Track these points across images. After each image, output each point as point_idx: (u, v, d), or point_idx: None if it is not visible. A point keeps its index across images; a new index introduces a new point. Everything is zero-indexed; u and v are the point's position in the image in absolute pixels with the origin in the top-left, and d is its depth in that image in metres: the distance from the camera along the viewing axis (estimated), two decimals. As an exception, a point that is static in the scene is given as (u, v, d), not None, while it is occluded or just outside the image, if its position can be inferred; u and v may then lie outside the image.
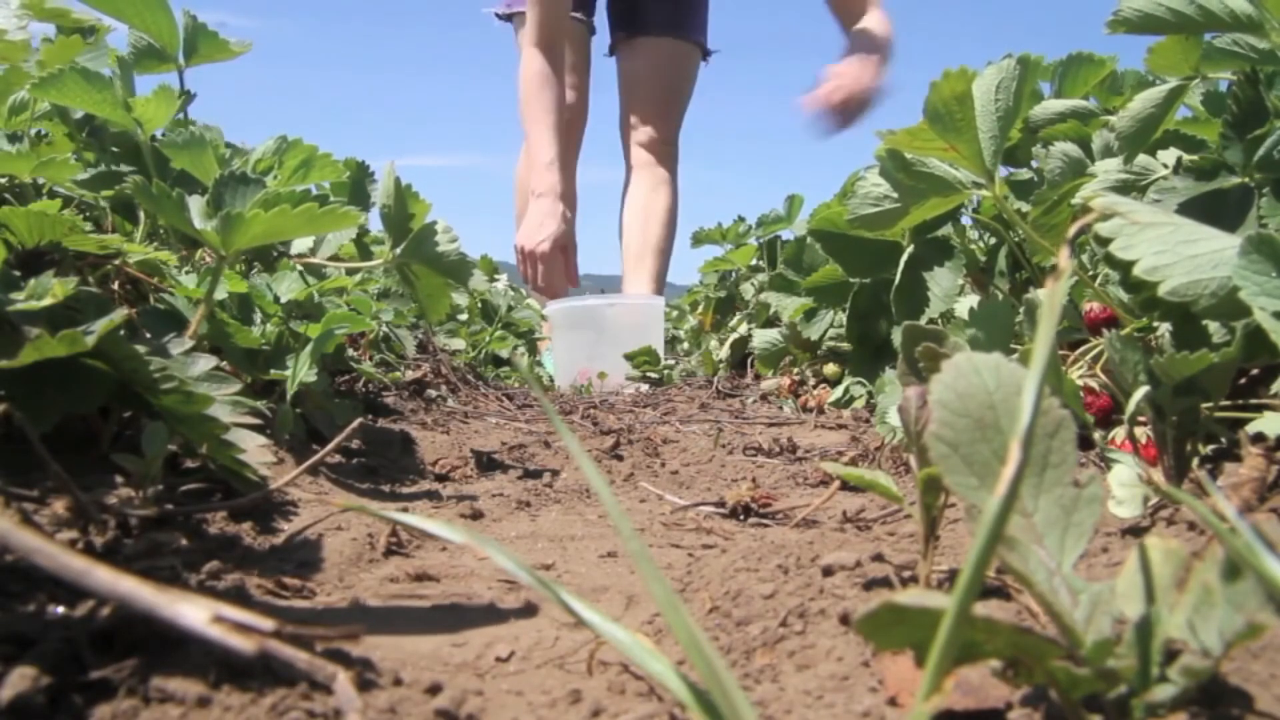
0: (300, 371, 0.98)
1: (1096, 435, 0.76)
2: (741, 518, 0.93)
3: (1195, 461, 0.70)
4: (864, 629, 0.33)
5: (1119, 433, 0.78)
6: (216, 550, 0.66)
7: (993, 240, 1.39)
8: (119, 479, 0.70)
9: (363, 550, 0.75)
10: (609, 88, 3.54)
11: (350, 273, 1.20)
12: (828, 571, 0.59)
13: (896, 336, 0.98)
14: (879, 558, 0.61)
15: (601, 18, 3.51)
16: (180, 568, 0.59)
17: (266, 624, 0.38)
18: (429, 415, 1.58)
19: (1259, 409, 0.70)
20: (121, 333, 0.63)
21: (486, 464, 1.24)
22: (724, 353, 2.53)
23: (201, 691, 0.40)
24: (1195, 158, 0.82)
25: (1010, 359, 0.41)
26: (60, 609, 0.46)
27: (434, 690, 0.44)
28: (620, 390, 2.55)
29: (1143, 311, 0.77)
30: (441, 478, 1.16)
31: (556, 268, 2.80)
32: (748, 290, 2.60)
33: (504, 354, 2.87)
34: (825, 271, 1.57)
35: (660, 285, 3.58)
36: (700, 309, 3.14)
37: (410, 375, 1.74)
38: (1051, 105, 1.19)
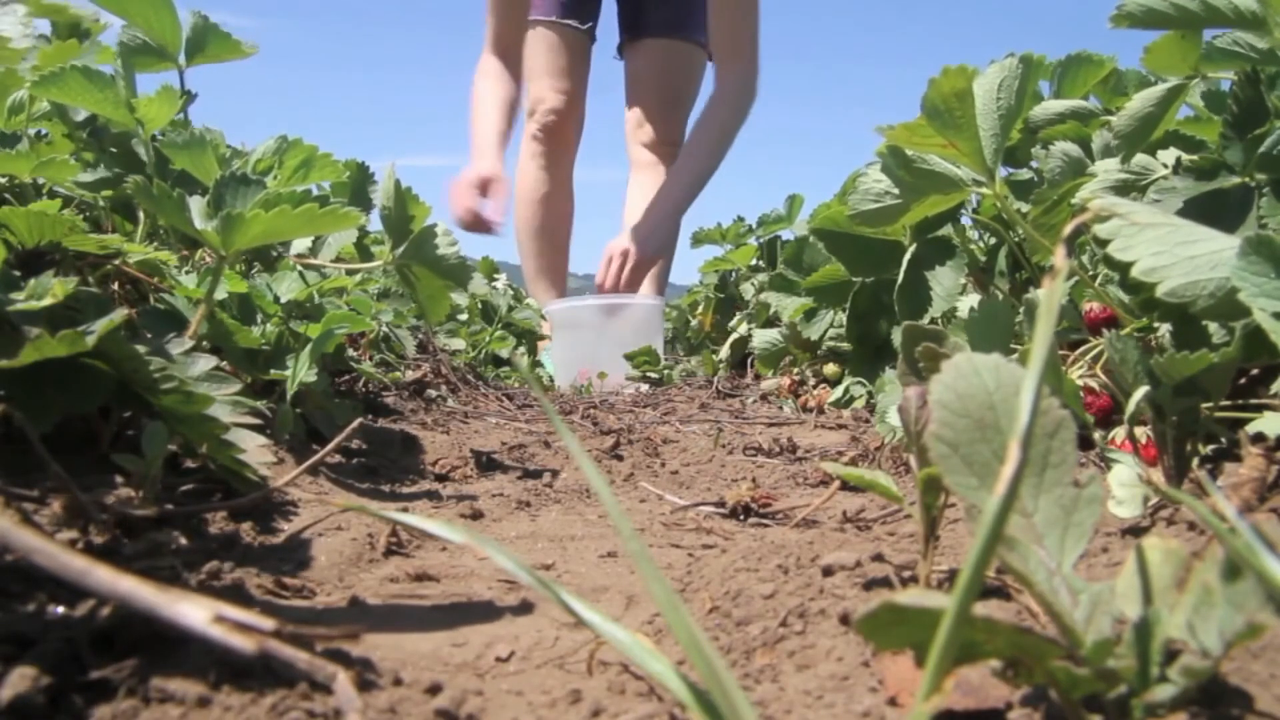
0: (300, 371, 0.98)
1: (1096, 435, 0.76)
2: (741, 518, 0.93)
3: (1195, 461, 0.70)
4: (864, 629, 0.33)
5: (1119, 433, 0.78)
6: (216, 550, 0.66)
7: (993, 240, 1.39)
8: (119, 479, 0.70)
9: (363, 550, 0.75)
10: (619, 90, 3.57)
11: (350, 273, 1.20)
12: (828, 571, 0.59)
13: (896, 336, 0.98)
14: (879, 558, 0.61)
15: (611, 21, 3.54)
16: (180, 568, 0.59)
17: (266, 624, 0.38)
18: (429, 415, 1.58)
19: (1259, 409, 0.70)
20: (121, 333, 0.63)
21: (486, 464, 1.24)
22: (724, 353, 2.53)
23: (201, 691, 0.40)
24: (1195, 158, 0.82)
25: (1010, 359, 0.41)
26: (60, 609, 0.46)
27: (434, 690, 0.44)
28: (620, 390, 2.55)
29: (1142, 312, 0.77)
30: (441, 478, 1.16)
31: (466, 198, 2.82)
32: (748, 290, 2.60)
33: (504, 354, 2.87)
34: (825, 271, 1.57)
35: (661, 285, 3.59)
36: (700, 309, 3.14)
37: (410, 375, 1.74)
38: (1051, 105, 1.19)
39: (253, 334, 0.96)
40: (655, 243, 2.85)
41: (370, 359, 1.61)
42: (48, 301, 0.62)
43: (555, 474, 1.22)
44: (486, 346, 2.81)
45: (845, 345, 1.67)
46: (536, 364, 3.12)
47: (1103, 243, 0.62)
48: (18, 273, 0.66)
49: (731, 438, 1.47)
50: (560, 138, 3.47)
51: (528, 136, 3.46)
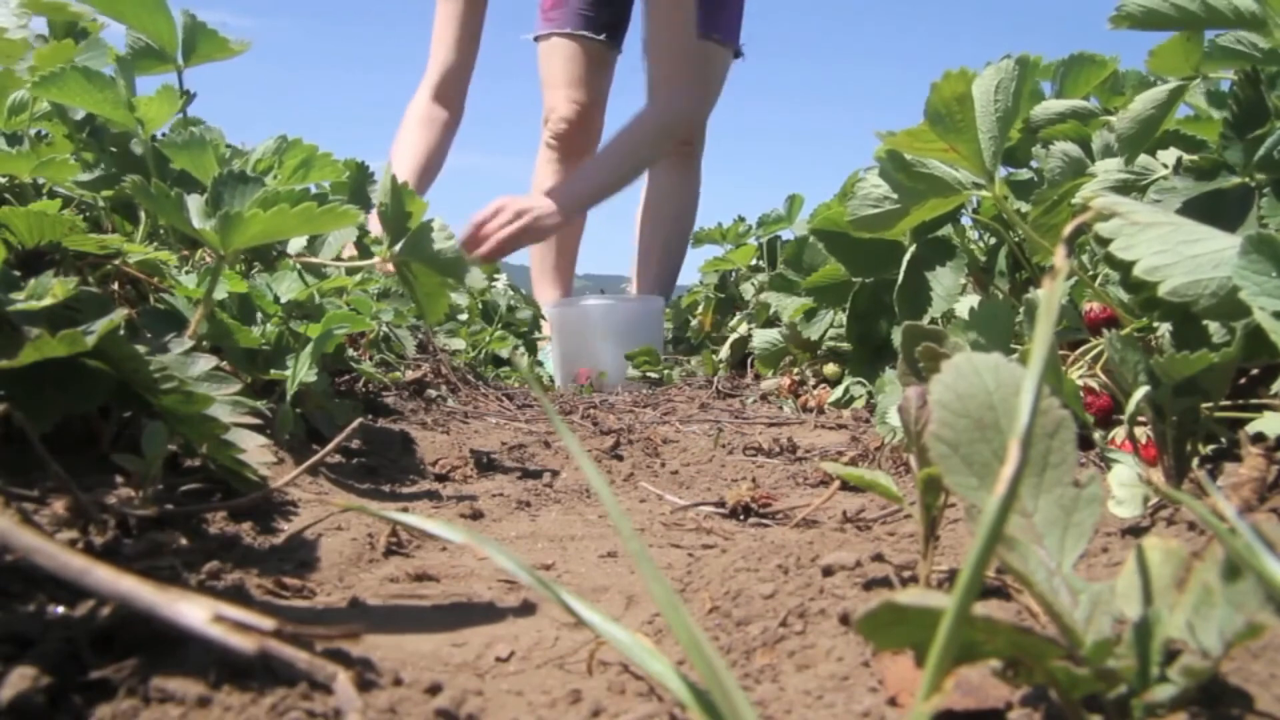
0: (300, 371, 0.98)
1: (1096, 435, 0.76)
2: (741, 518, 0.93)
3: (1195, 461, 0.70)
4: (864, 629, 0.33)
5: (1119, 433, 0.78)
6: (216, 550, 0.65)
7: (993, 240, 1.39)
8: (119, 479, 0.70)
9: (363, 550, 0.75)
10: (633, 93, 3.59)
11: (350, 272, 1.20)
12: (828, 571, 0.59)
13: (896, 336, 0.98)
14: (879, 558, 0.61)
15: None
16: (180, 568, 0.59)
17: (266, 624, 0.38)
18: (429, 415, 1.58)
19: (1259, 409, 0.70)
20: (121, 333, 0.63)
21: (486, 464, 1.24)
22: (724, 353, 2.53)
23: (201, 691, 0.40)
24: (1195, 158, 0.82)
25: (1010, 359, 0.41)
26: (60, 609, 0.46)
27: (434, 690, 0.44)
28: (620, 390, 2.55)
29: (1143, 311, 0.77)
30: (441, 478, 1.16)
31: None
32: (748, 290, 2.60)
33: (504, 354, 2.87)
34: (825, 271, 1.57)
35: (666, 287, 3.59)
36: (700, 309, 3.14)
37: (410, 375, 1.74)
38: (1051, 105, 1.19)
39: (253, 334, 0.96)
40: (551, 219, 2.81)
41: (370, 359, 1.61)
42: (48, 301, 0.62)
43: (555, 474, 1.22)
44: (486, 346, 2.81)
45: (845, 345, 1.67)
46: (537, 364, 3.12)
47: (1104, 242, 0.62)
48: (18, 273, 0.66)
49: (731, 438, 1.47)
50: (573, 146, 3.48)
51: (542, 143, 3.48)
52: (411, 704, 0.43)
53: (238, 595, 0.57)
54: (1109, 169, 0.89)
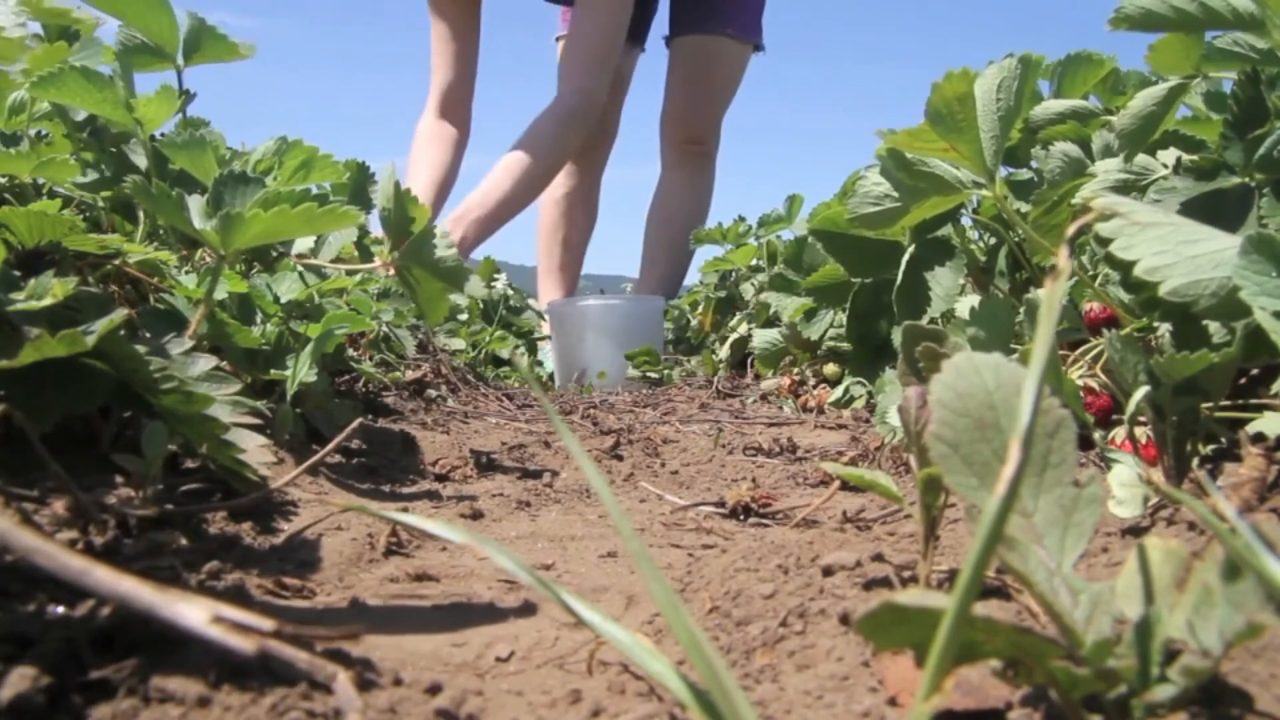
0: (300, 371, 0.98)
1: (1096, 435, 0.76)
2: (741, 518, 0.93)
3: (1195, 461, 0.70)
4: (864, 629, 0.33)
5: (1119, 433, 0.78)
6: (216, 550, 0.65)
7: (993, 240, 1.39)
8: (119, 479, 0.70)
9: (363, 550, 0.75)
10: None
11: (350, 273, 1.20)
12: (828, 571, 0.59)
13: (896, 336, 0.98)
14: (879, 558, 0.61)
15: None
16: (180, 568, 0.59)
17: (266, 624, 0.38)
18: (429, 415, 1.58)
19: (1259, 409, 0.69)
20: (121, 333, 0.63)
21: (486, 464, 1.24)
22: (724, 353, 2.53)
23: (201, 691, 0.40)
24: (1195, 158, 0.82)
25: (1010, 359, 0.41)
26: (60, 609, 0.46)
27: (434, 690, 0.44)
28: (620, 390, 2.55)
29: (1143, 311, 0.77)
30: (441, 478, 1.16)
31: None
32: (748, 290, 2.60)
33: (504, 354, 2.87)
34: (825, 271, 1.57)
35: (671, 288, 3.59)
36: (700, 309, 3.14)
37: (410, 375, 1.74)
38: (1051, 105, 1.19)
39: (253, 334, 0.96)
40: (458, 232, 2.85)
41: (370, 359, 1.61)
42: (48, 301, 0.62)
43: (555, 474, 1.22)
44: (486, 346, 2.81)
45: (845, 345, 1.67)
46: (537, 364, 3.13)
47: (1104, 242, 0.62)
48: (18, 273, 0.66)
49: (731, 438, 1.47)
50: (585, 145, 3.49)
51: None
52: (411, 704, 0.43)
53: (238, 595, 0.57)
54: (1109, 169, 0.89)
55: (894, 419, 1.03)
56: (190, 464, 0.79)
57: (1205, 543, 0.57)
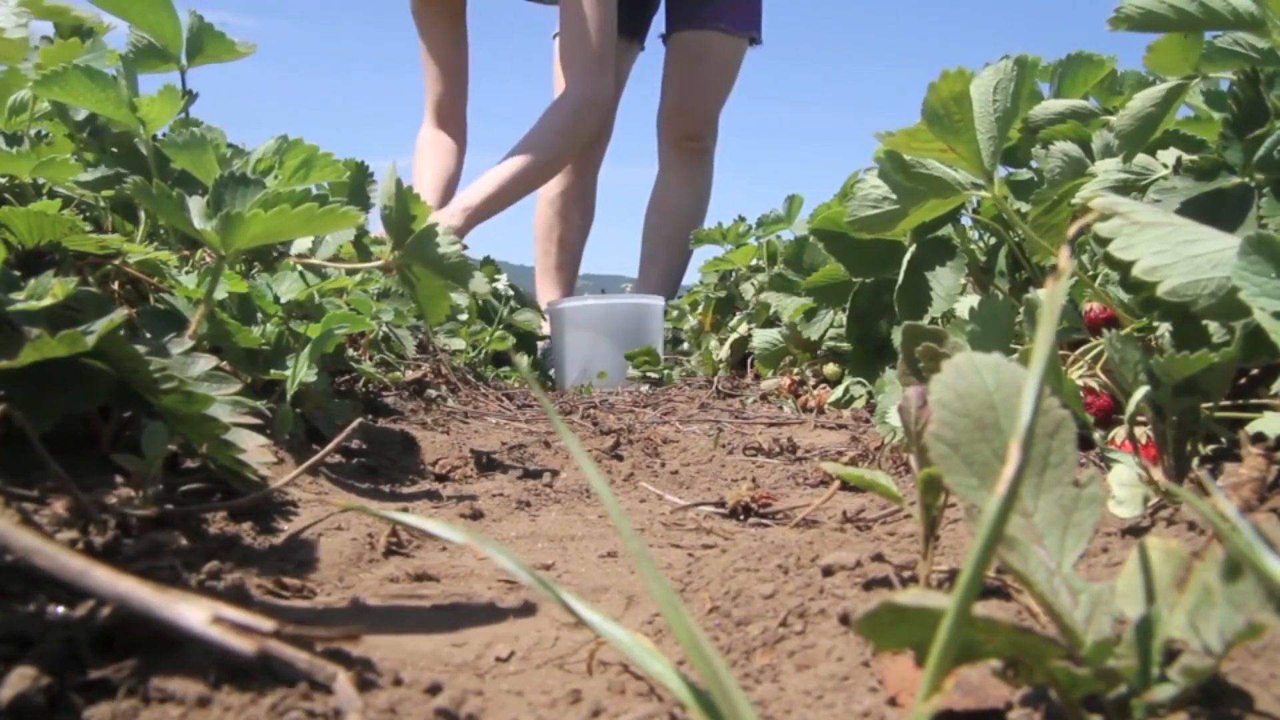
0: (300, 371, 0.98)
1: (1096, 435, 0.76)
2: (741, 518, 0.93)
3: (1195, 461, 0.70)
4: (864, 629, 0.33)
5: (1119, 433, 0.78)
6: (216, 550, 0.66)
7: (993, 240, 1.39)
8: (119, 479, 0.70)
9: (363, 550, 0.75)
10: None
11: (350, 273, 1.20)
12: (828, 571, 0.59)
13: (896, 336, 0.98)
14: (879, 558, 0.61)
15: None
16: (180, 568, 0.59)
17: (266, 624, 0.38)
18: (429, 415, 1.58)
19: (1259, 409, 0.69)
20: (121, 333, 0.63)
21: (486, 464, 1.24)
22: (724, 353, 2.53)
23: (201, 691, 0.40)
24: (1195, 158, 0.82)
25: (1010, 359, 0.41)
26: (60, 609, 0.46)
27: (434, 690, 0.44)
28: (620, 390, 2.55)
29: (1143, 311, 0.77)
30: (441, 478, 1.16)
31: None
32: (748, 290, 2.60)
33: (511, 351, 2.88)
34: (825, 271, 1.57)
35: (671, 286, 3.59)
36: (700, 309, 3.14)
37: (410, 375, 1.74)
38: (1051, 105, 1.19)
39: (253, 334, 0.96)
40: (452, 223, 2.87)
41: (370, 359, 1.61)
42: (48, 301, 0.62)
43: (555, 474, 1.22)
44: (486, 346, 2.81)
45: (845, 345, 1.67)
46: (537, 364, 3.13)
47: (1104, 242, 0.62)
48: (18, 273, 0.66)
49: (731, 438, 1.47)
50: (591, 151, 3.50)
51: None
52: (411, 704, 0.43)
53: (238, 595, 0.57)
54: (1109, 169, 0.89)
55: (894, 419, 1.03)
56: (190, 464, 0.79)
57: (1205, 543, 0.57)
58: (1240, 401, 0.72)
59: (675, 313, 3.57)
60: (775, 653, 0.51)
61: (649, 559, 0.31)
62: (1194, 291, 0.60)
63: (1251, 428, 0.66)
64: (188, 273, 1.00)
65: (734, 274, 2.86)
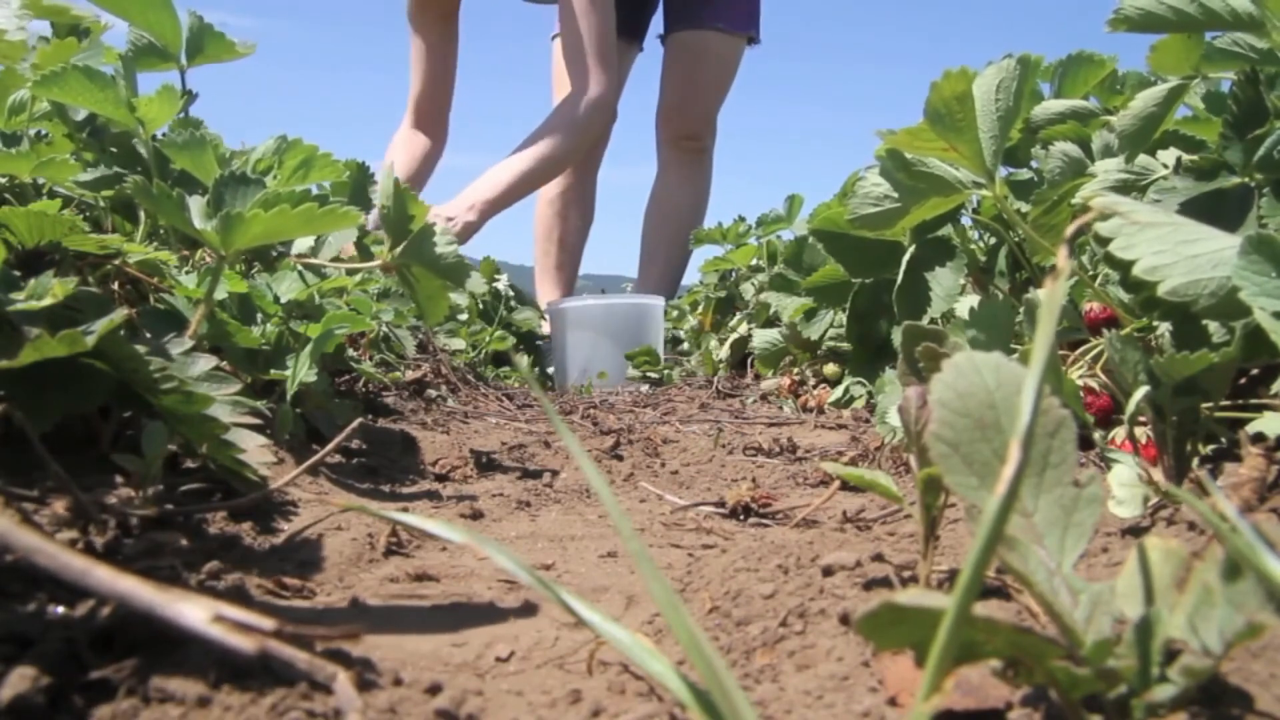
0: (300, 371, 0.98)
1: (1096, 435, 0.76)
2: (741, 518, 0.93)
3: (1195, 461, 0.70)
4: (864, 629, 0.33)
5: (1119, 433, 0.78)
6: (216, 550, 0.66)
7: (993, 240, 1.39)
8: (119, 479, 0.70)
9: (363, 550, 0.75)
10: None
11: (350, 273, 1.20)
12: (828, 571, 0.59)
13: (896, 336, 0.98)
14: (879, 558, 0.61)
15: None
16: (180, 568, 0.59)
17: (266, 624, 0.38)
18: (429, 415, 1.58)
19: (1259, 409, 0.69)
20: (121, 333, 0.63)
21: (486, 464, 1.24)
22: (724, 353, 2.53)
23: (201, 691, 0.40)
24: (1195, 158, 0.82)
25: (1010, 359, 0.41)
26: (60, 609, 0.46)
27: (434, 690, 0.44)
28: (620, 390, 2.55)
29: (1143, 311, 0.77)
30: (441, 478, 1.16)
31: None
32: (748, 290, 2.60)
33: (511, 350, 2.88)
34: (825, 271, 1.57)
35: (670, 286, 3.59)
36: (700, 309, 3.14)
37: (410, 375, 1.74)
38: (1051, 105, 1.19)
39: (253, 334, 0.96)
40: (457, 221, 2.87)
41: (370, 359, 1.61)
42: (48, 301, 0.62)
43: (555, 474, 1.22)
44: (486, 346, 2.81)
45: (845, 345, 1.67)
46: (536, 364, 3.13)
47: (1104, 241, 0.62)
48: (18, 273, 0.66)
49: (731, 438, 1.47)
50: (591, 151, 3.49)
51: None
52: (411, 704, 0.43)
53: (238, 595, 0.57)
54: (1109, 169, 0.89)
55: (894, 419, 1.03)
56: (190, 464, 0.79)
57: (1205, 543, 0.57)
58: (1240, 401, 0.72)
59: (675, 313, 3.57)
60: (775, 653, 0.51)
61: (649, 559, 0.31)
62: (1194, 291, 0.60)
63: (1251, 428, 0.66)
64: (188, 273, 1.00)
65: (734, 274, 2.86)
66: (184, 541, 0.65)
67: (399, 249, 1.03)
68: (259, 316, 1.02)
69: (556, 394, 2.58)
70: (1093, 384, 0.83)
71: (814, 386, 1.84)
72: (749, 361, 2.37)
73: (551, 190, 3.62)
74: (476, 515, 0.95)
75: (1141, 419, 0.73)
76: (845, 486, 0.97)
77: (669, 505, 0.99)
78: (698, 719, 0.31)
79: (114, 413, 0.77)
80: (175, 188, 0.82)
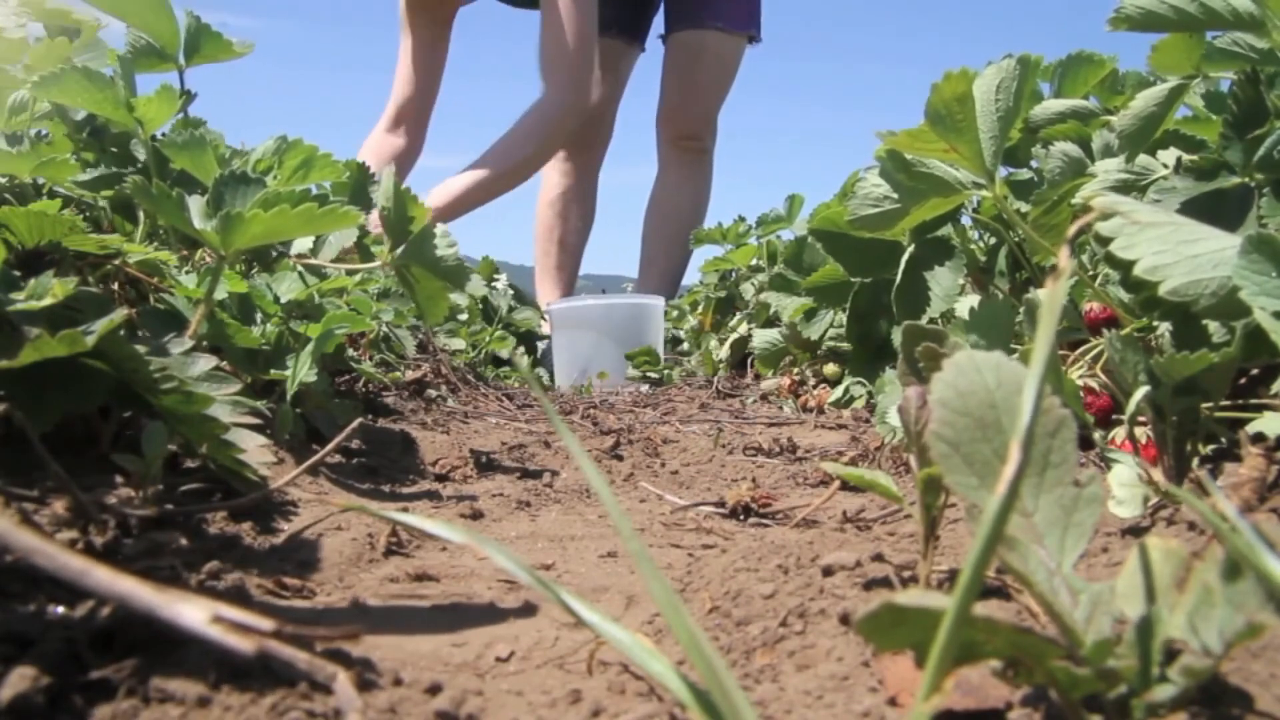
0: (300, 371, 0.98)
1: (1096, 435, 0.76)
2: (741, 518, 0.93)
3: (1195, 461, 0.70)
4: (864, 629, 0.33)
5: (1119, 433, 0.78)
6: (216, 550, 0.66)
7: (993, 240, 1.39)
8: (119, 479, 0.70)
9: (363, 550, 0.75)
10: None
11: (350, 273, 1.20)
12: (828, 571, 0.59)
13: (896, 336, 0.98)
14: (879, 558, 0.61)
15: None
16: (180, 568, 0.59)
17: (266, 624, 0.38)
18: (429, 415, 1.58)
19: (1259, 409, 0.69)
20: (121, 333, 0.63)
21: (486, 464, 1.24)
22: (724, 353, 2.53)
23: (201, 691, 0.40)
24: (1195, 158, 0.82)
25: (1010, 359, 0.41)
26: (60, 609, 0.46)
27: (434, 690, 0.44)
28: (620, 390, 2.55)
29: (1143, 311, 0.77)
30: (441, 478, 1.16)
31: None
32: (748, 290, 2.60)
33: (504, 354, 2.87)
34: (825, 271, 1.57)
35: (670, 286, 3.58)
36: (700, 309, 3.14)
37: (410, 375, 1.74)
38: (1051, 105, 1.19)
39: (253, 334, 0.96)
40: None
41: (370, 359, 1.61)
42: (48, 301, 0.62)
43: (555, 474, 1.22)
44: (486, 346, 2.81)
45: (845, 345, 1.67)
46: (536, 364, 3.13)
47: (1105, 241, 0.62)
48: (18, 273, 0.66)
49: (731, 438, 1.47)
50: (579, 144, 3.48)
51: None
52: (411, 704, 0.43)
53: (238, 595, 0.57)
54: (1109, 169, 0.89)
55: (894, 419, 1.03)
56: (190, 464, 0.79)
57: (1205, 543, 0.57)
58: (1240, 401, 0.72)
59: (675, 313, 3.57)
60: (775, 653, 0.51)
61: (649, 559, 0.31)
62: (1195, 291, 0.60)
63: (1251, 428, 0.66)
64: (188, 273, 1.00)
65: (734, 274, 2.86)
66: (184, 541, 0.65)
67: (399, 250, 1.03)
68: (259, 316, 1.02)
69: (556, 394, 2.58)
70: (1093, 384, 0.83)
71: (814, 386, 1.84)
72: (749, 361, 2.37)
73: (553, 191, 3.61)
74: (476, 515, 0.95)
75: (1141, 419, 0.73)
76: (845, 486, 0.96)
77: (669, 505, 0.99)
78: (698, 719, 0.31)
79: (114, 413, 0.77)
80: (175, 188, 0.82)
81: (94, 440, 0.76)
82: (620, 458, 1.34)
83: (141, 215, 1.11)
